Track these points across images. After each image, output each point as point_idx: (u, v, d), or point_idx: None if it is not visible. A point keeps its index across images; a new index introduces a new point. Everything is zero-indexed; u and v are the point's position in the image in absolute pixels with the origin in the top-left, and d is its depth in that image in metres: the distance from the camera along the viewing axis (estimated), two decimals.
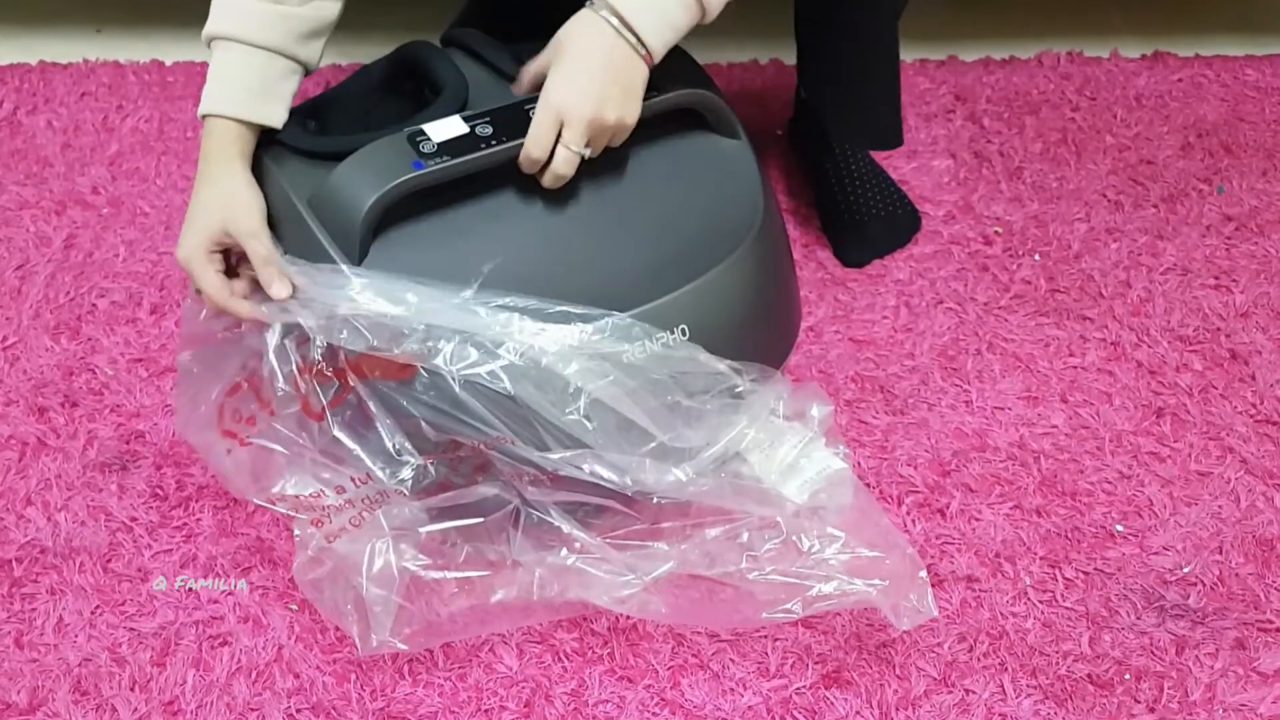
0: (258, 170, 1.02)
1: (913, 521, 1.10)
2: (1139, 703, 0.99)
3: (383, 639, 0.92)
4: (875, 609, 1.04)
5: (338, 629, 1.03)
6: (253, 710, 0.98)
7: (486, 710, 0.99)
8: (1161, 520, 1.10)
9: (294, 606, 1.04)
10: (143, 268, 1.31)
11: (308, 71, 1.04)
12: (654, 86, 1.00)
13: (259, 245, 0.96)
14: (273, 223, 0.99)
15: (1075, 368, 1.21)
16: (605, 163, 1.01)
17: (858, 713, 0.98)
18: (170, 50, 1.61)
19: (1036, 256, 1.32)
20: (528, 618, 1.00)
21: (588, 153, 0.98)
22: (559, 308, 0.93)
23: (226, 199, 0.98)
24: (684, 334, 0.98)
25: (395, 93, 1.09)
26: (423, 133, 0.97)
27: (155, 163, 1.42)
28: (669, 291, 0.99)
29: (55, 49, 1.61)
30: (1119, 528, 1.09)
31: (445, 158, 0.96)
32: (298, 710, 0.98)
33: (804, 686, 1.00)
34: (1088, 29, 1.64)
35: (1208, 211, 1.37)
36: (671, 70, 1.03)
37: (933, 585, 1.05)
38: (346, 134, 1.04)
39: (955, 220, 1.35)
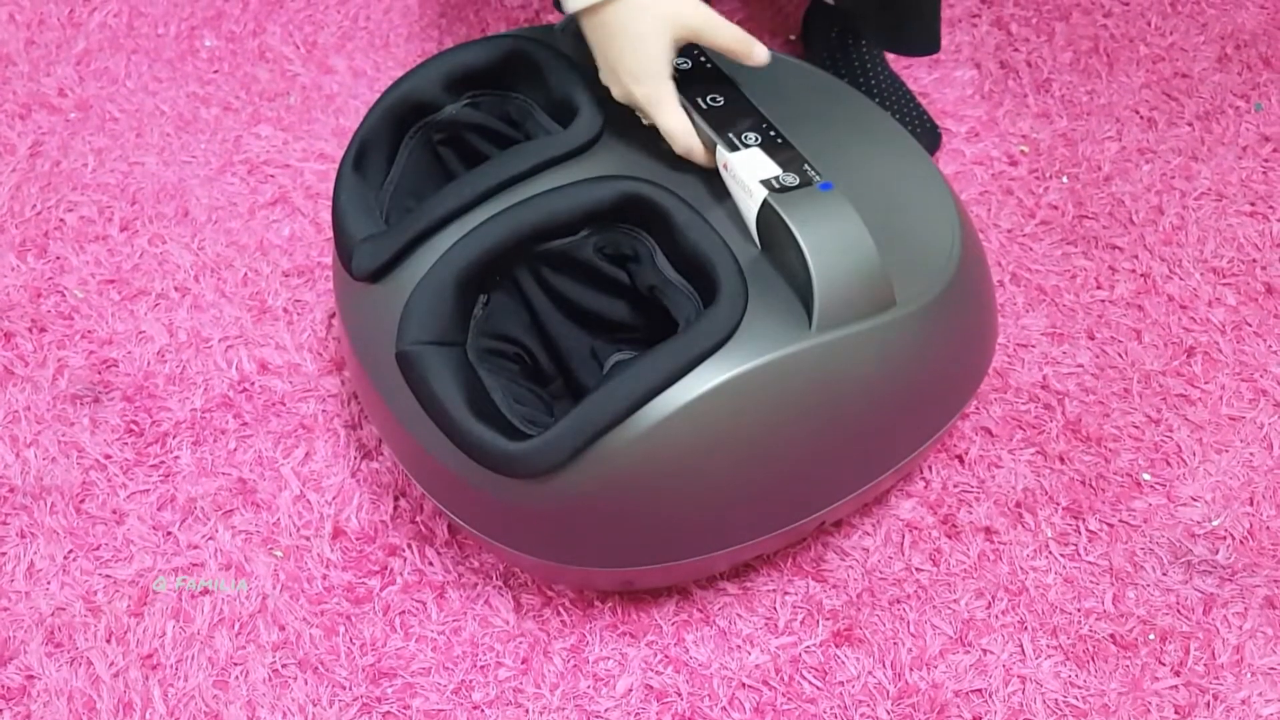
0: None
1: (929, 468, 1.04)
2: (1163, 665, 0.95)
3: None
4: (888, 562, 0.99)
5: (325, 576, 0.98)
6: (235, 665, 0.94)
7: (482, 666, 0.94)
8: (1190, 469, 1.05)
9: (279, 553, 0.99)
10: (113, 179, 1.22)
11: None
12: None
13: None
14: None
15: (1103, 301, 1.15)
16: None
17: (870, 672, 0.94)
18: None
19: (1064, 179, 1.24)
20: None
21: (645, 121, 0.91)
22: None
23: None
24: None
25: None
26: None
27: (125, 62, 1.33)
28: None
29: None
30: (1146, 476, 1.04)
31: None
32: (283, 665, 0.94)
33: (814, 644, 0.95)
34: None
35: (1245, 131, 1.29)
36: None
37: (949, 537, 1.01)
38: None
39: (979, 138, 1.27)
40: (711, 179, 0.91)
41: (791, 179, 0.86)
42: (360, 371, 0.92)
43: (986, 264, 0.97)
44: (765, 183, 0.85)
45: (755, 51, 0.89)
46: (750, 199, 0.86)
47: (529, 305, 0.92)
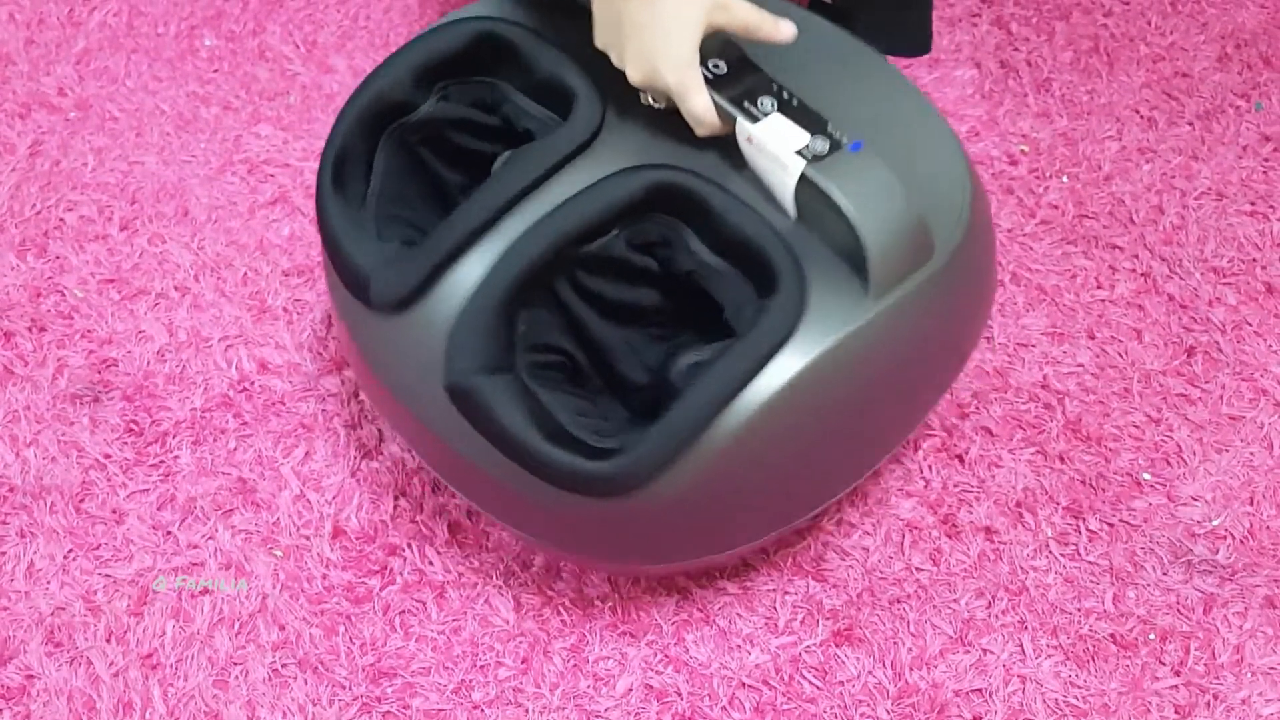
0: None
1: (929, 468, 1.04)
2: (1164, 665, 0.95)
3: None
4: (888, 562, 0.99)
5: (325, 576, 0.98)
6: (235, 665, 0.94)
7: (482, 666, 0.94)
8: (1191, 468, 1.05)
9: (279, 552, 0.99)
10: (113, 178, 1.22)
11: None
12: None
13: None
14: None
15: (1104, 301, 1.15)
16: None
17: (870, 672, 0.94)
18: None
19: (1065, 178, 1.24)
20: None
21: (659, 105, 0.90)
22: None
23: None
24: None
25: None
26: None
27: (125, 61, 1.33)
28: None
29: None
30: (1146, 476, 1.04)
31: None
32: (283, 665, 0.94)
33: (814, 644, 0.95)
34: None
35: (1245, 130, 1.29)
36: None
37: (949, 536, 1.01)
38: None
39: (979, 137, 1.27)
40: (725, 149, 0.88)
41: (821, 144, 0.84)
42: (390, 400, 0.90)
43: (991, 217, 0.97)
44: (798, 153, 0.83)
45: (782, 26, 0.86)
46: (785, 172, 0.84)
47: (565, 310, 0.90)
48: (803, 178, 0.83)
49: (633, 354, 0.92)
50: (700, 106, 0.86)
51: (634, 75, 0.87)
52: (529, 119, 0.93)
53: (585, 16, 0.89)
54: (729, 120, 0.87)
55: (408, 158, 0.94)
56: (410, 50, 0.93)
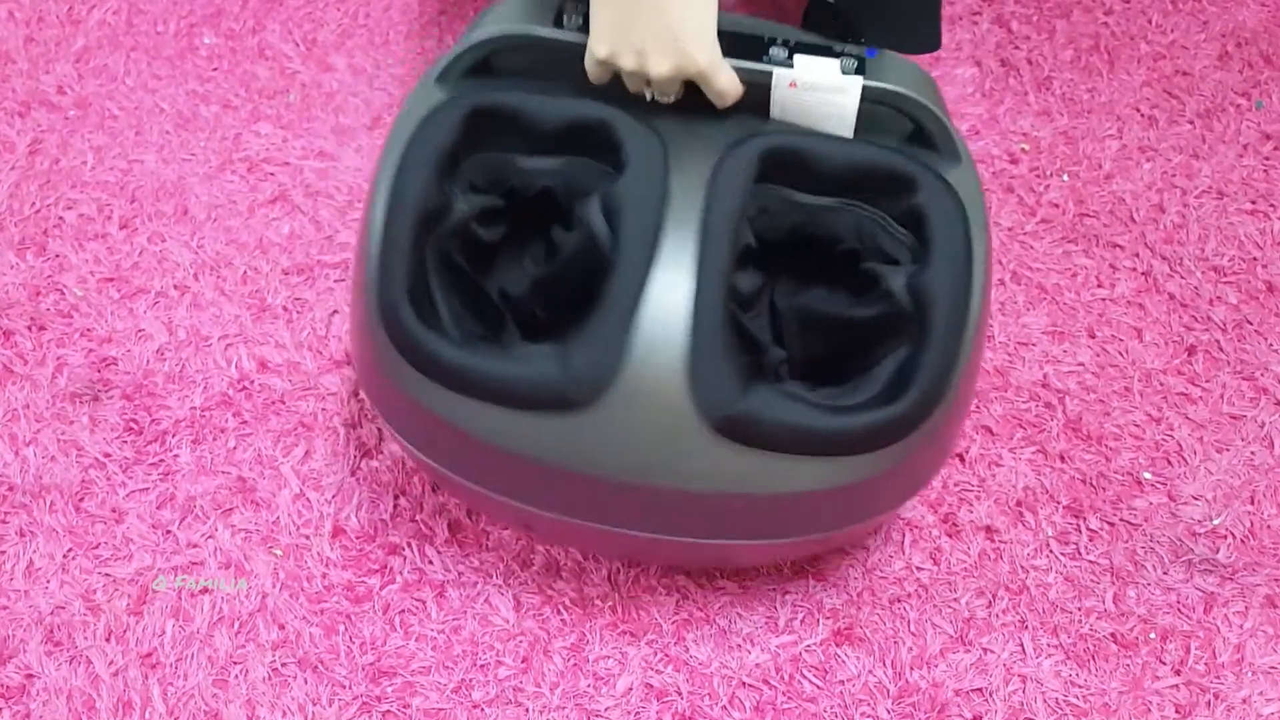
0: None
1: None
2: (1164, 664, 0.95)
3: None
4: (888, 561, 0.99)
5: (325, 575, 0.98)
6: (235, 664, 0.94)
7: (482, 665, 0.94)
8: (1191, 467, 1.05)
9: (279, 552, 0.99)
10: (112, 177, 1.22)
11: None
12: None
13: None
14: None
15: (1104, 300, 1.15)
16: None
17: (870, 671, 0.94)
18: None
19: (1065, 177, 1.24)
20: None
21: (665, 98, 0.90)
22: None
23: None
24: None
25: None
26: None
27: (124, 59, 1.32)
28: None
29: None
30: (1147, 475, 1.04)
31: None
32: (283, 664, 0.94)
33: (814, 644, 0.95)
34: None
35: (1245, 129, 1.29)
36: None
37: (950, 535, 1.01)
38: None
39: (979, 136, 1.27)
40: (747, 107, 0.90)
41: (850, 62, 0.90)
42: (608, 486, 0.84)
43: None
44: (845, 74, 0.89)
45: None
46: (844, 95, 0.89)
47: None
48: (865, 91, 0.89)
49: (766, 328, 0.93)
50: (729, 80, 0.88)
51: (662, 68, 0.86)
52: (545, 176, 0.90)
53: (529, 54, 0.91)
54: (755, 83, 0.90)
55: (452, 271, 0.90)
56: (420, 147, 0.88)
